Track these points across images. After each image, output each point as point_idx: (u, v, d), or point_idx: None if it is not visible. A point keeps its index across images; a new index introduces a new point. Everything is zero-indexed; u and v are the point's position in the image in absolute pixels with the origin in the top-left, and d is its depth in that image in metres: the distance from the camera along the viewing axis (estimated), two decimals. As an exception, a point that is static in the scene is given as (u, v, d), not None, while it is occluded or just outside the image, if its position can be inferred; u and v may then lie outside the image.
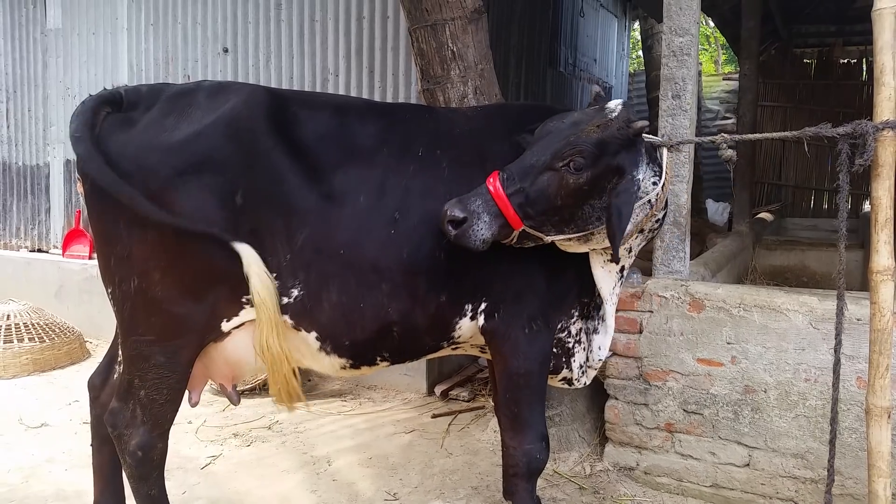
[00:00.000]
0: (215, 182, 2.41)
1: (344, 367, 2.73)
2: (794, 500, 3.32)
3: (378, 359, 2.75)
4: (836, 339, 2.45)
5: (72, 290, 6.52)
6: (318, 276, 2.52)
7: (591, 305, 2.94)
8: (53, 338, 5.65)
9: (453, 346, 2.89)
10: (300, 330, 2.60)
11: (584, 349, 2.97)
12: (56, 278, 6.65)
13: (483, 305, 2.71)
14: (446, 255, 2.59)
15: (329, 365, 2.72)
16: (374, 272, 2.55)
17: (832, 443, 2.49)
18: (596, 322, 2.97)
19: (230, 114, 2.46)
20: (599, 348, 2.98)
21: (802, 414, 3.29)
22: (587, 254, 2.78)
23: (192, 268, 2.44)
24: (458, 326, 2.74)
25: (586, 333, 2.96)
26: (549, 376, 2.92)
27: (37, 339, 5.57)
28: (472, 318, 2.73)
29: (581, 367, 2.99)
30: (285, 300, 2.53)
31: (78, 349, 5.83)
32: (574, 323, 2.91)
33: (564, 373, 2.98)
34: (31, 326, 5.65)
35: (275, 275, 2.48)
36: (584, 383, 3.05)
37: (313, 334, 2.61)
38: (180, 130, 2.42)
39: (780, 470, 3.34)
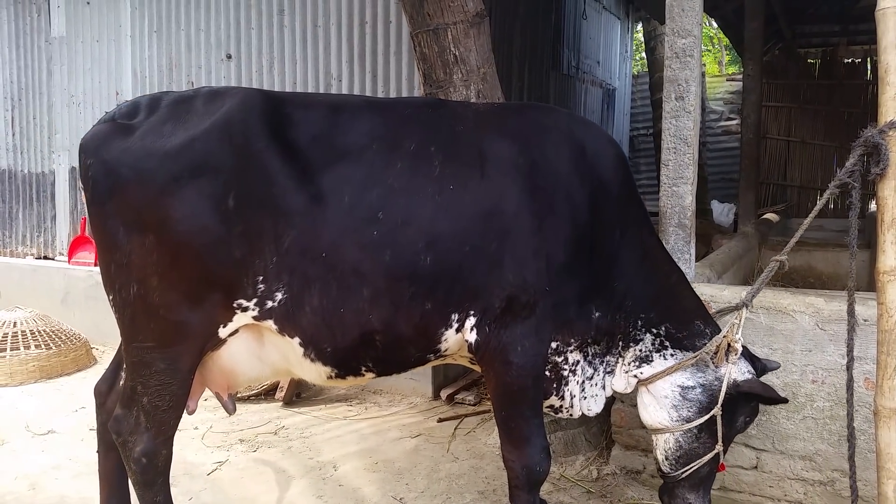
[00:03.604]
0: (210, 186, 2.41)
1: (330, 377, 2.66)
2: (803, 503, 3.29)
3: (362, 368, 2.66)
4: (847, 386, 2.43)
5: (78, 296, 6.54)
6: (301, 279, 2.46)
7: (593, 348, 2.85)
8: (60, 345, 5.66)
9: (442, 359, 2.80)
10: (284, 335, 2.55)
11: (579, 383, 2.87)
12: (62, 285, 6.67)
13: (472, 320, 2.60)
14: (432, 259, 2.50)
15: (315, 373, 2.66)
16: (355, 276, 2.47)
17: (851, 458, 2.46)
18: (593, 371, 2.89)
19: (224, 117, 2.46)
20: (588, 400, 2.92)
21: (810, 416, 3.27)
22: (596, 282, 2.74)
23: (187, 273, 2.44)
24: (444, 338, 2.63)
25: (582, 370, 2.86)
26: None
27: (43, 346, 5.58)
28: (458, 329, 2.62)
29: (573, 397, 2.87)
30: (270, 304, 2.49)
31: (84, 356, 5.84)
32: (572, 352, 2.80)
33: (552, 399, 2.86)
34: (37, 333, 5.66)
35: (261, 278, 2.46)
36: (572, 416, 2.93)
37: (297, 340, 2.55)
38: (177, 136, 2.44)
39: (789, 472, 3.32)
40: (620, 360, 2.93)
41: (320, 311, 2.49)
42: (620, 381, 2.94)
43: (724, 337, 2.68)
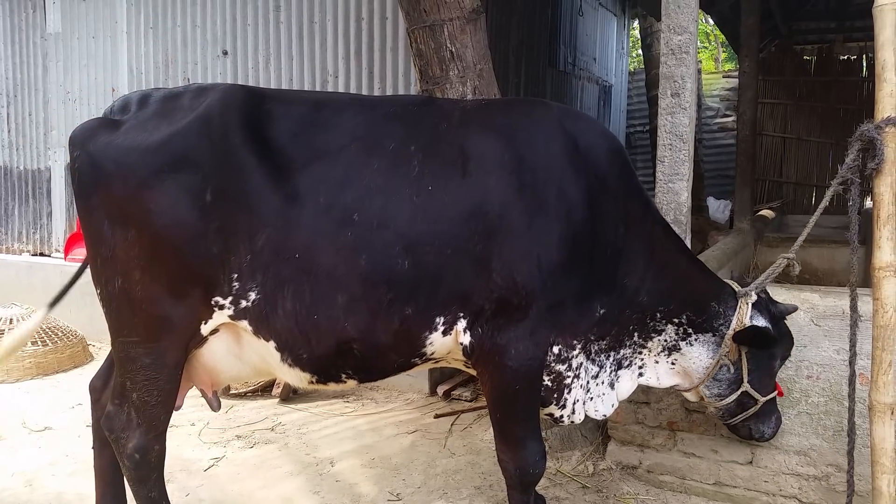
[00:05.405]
0: (189, 180, 2.40)
1: (311, 382, 2.61)
2: (798, 498, 3.31)
3: (343, 375, 2.60)
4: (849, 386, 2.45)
5: (74, 293, 6.46)
6: (274, 280, 2.40)
7: (597, 344, 2.79)
8: (56, 341, 5.65)
9: (432, 362, 2.73)
10: (260, 338, 2.50)
11: (583, 385, 2.80)
12: (58, 282, 6.52)
13: (463, 322, 2.53)
14: (411, 263, 2.41)
15: (296, 378, 2.61)
16: (329, 280, 2.39)
17: (850, 454, 2.48)
18: (598, 369, 2.83)
19: (204, 112, 2.46)
20: (595, 400, 2.87)
21: (805, 411, 3.28)
22: (599, 280, 2.69)
23: (167, 267, 2.43)
24: (428, 343, 2.55)
25: (586, 371, 2.79)
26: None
27: (40, 342, 5.57)
28: (445, 333, 2.53)
29: (574, 403, 2.80)
30: (244, 303, 2.45)
31: (81, 352, 5.83)
32: (576, 356, 2.72)
33: (552, 408, 2.79)
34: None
35: (236, 276, 2.42)
36: (574, 421, 2.86)
37: (272, 343, 2.49)
38: (160, 132, 2.44)
39: (784, 467, 3.33)
40: (647, 352, 2.93)
41: (294, 316, 2.43)
42: (651, 373, 2.98)
43: (734, 329, 2.82)
